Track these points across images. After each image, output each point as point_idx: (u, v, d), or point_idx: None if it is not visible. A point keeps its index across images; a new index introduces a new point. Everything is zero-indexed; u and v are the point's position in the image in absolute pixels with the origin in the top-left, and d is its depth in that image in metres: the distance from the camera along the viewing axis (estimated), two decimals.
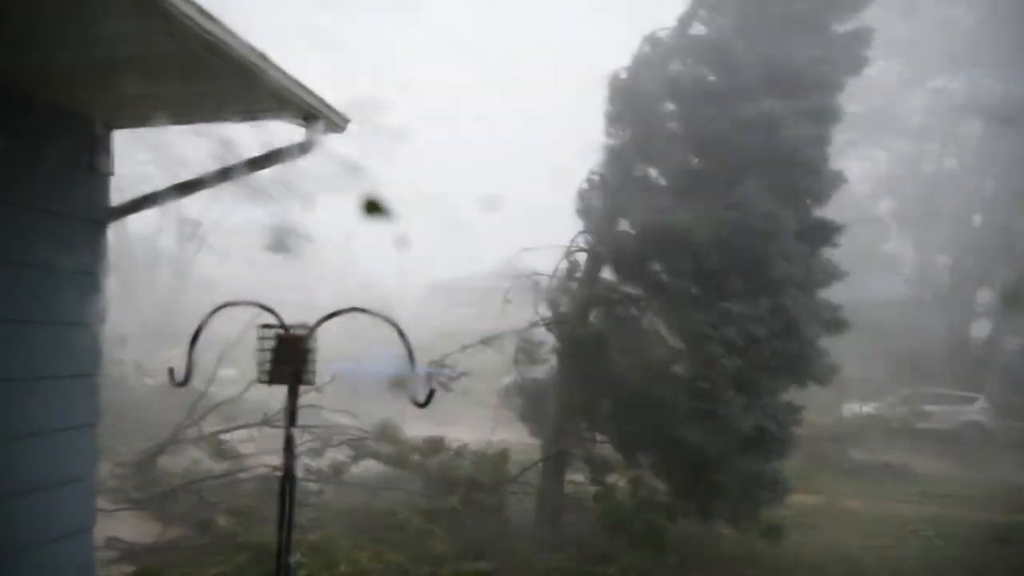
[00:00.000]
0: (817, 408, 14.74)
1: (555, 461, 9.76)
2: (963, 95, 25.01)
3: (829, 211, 9.76)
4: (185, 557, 7.79)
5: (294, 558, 3.29)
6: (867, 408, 19.01)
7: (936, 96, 26.30)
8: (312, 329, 3.27)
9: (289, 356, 3.23)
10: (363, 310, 3.29)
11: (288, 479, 3.26)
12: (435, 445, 10.34)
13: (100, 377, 4.13)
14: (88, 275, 4.01)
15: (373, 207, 3.38)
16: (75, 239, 3.93)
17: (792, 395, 9.46)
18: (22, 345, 3.59)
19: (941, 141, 27.31)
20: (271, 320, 3.33)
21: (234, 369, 13.39)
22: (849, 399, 18.46)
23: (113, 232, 4.20)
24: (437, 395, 3.27)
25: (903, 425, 18.40)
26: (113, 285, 4.13)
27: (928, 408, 19.16)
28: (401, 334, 3.19)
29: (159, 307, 24.82)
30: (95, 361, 4.09)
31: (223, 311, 3.37)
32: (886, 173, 28.85)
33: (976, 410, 19.70)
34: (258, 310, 3.41)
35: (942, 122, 26.25)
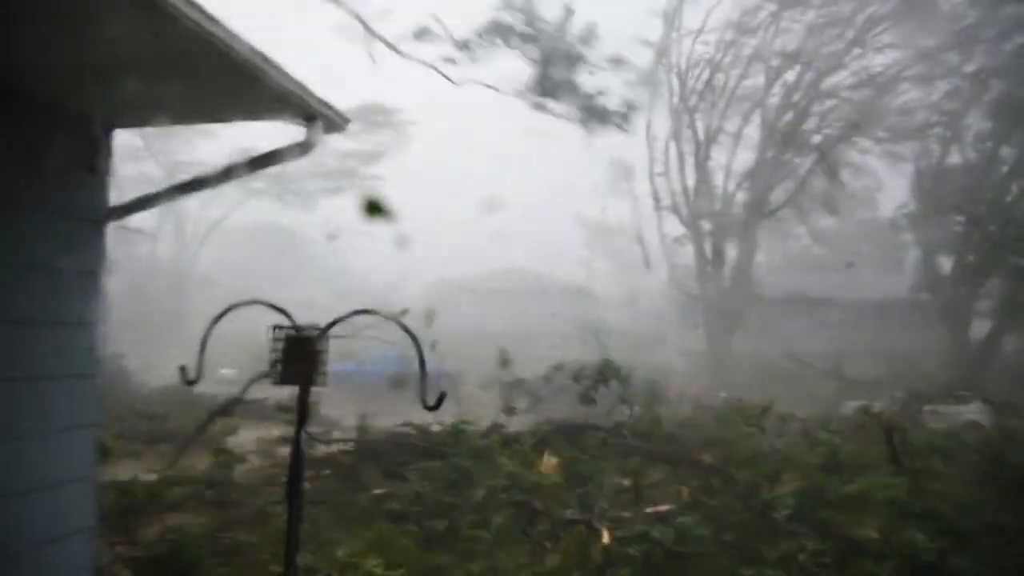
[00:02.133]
0: (816, 406, 14.75)
1: None
2: (967, 91, 24.93)
3: None
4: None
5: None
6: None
7: (937, 92, 26.21)
8: (324, 331, 3.25)
9: (300, 357, 3.22)
10: (375, 312, 3.28)
11: (295, 480, 3.25)
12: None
13: (100, 377, 4.12)
14: (87, 275, 4.00)
15: (374, 208, 3.38)
16: (74, 239, 3.92)
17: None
18: (22, 345, 3.58)
19: (944, 138, 27.25)
20: (282, 321, 3.32)
21: (233, 369, 13.36)
22: (848, 397, 18.42)
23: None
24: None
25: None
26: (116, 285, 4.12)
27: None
28: (413, 338, 3.16)
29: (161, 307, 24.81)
30: (95, 361, 4.08)
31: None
32: (888, 171, 28.84)
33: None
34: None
35: (946, 118, 26.20)
